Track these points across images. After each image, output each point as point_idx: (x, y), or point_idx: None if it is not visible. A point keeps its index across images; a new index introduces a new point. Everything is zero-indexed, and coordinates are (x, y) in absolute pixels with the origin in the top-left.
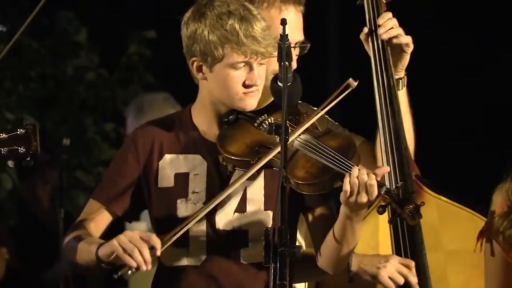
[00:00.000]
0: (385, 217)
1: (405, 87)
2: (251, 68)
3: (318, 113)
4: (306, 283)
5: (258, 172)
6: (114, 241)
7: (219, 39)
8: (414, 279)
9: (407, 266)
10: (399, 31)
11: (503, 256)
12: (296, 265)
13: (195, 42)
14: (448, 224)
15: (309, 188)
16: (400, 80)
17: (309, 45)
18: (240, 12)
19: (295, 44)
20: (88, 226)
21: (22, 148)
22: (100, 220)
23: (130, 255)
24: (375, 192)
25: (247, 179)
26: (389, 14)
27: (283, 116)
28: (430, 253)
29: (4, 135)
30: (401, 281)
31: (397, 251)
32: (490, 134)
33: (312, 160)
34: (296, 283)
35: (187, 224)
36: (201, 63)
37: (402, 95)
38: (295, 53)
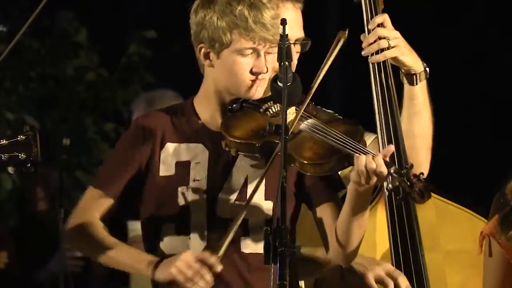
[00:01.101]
0: (383, 216)
1: (422, 82)
2: (258, 55)
3: (320, 74)
4: (303, 282)
5: (262, 160)
6: (173, 269)
7: (228, 25)
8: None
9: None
10: (381, 45)
11: (503, 255)
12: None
13: (204, 28)
14: (446, 224)
15: (315, 168)
16: (415, 76)
17: (310, 42)
18: None
19: (295, 41)
20: (92, 219)
21: (22, 155)
22: (101, 207)
23: (192, 282)
24: (384, 175)
25: (247, 169)
26: (379, 19)
27: (283, 116)
28: (428, 254)
29: (4, 141)
30: (390, 284)
31: (395, 251)
32: (492, 133)
33: (319, 142)
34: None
35: (234, 226)
36: (208, 50)
37: (418, 90)
38: (296, 50)
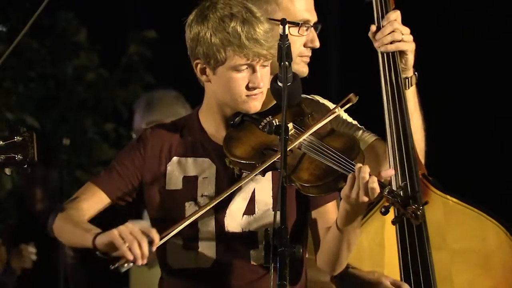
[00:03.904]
0: (391, 215)
1: (413, 86)
2: (254, 71)
3: (316, 125)
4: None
5: (263, 174)
6: (115, 232)
7: (221, 42)
8: None
9: None
10: (395, 36)
11: None
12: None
13: (198, 45)
14: (454, 223)
15: (314, 190)
16: (407, 79)
17: (320, 25)
18: (243, 15)
19: (314, 24)
20: (81, 206)
21: (19, 156)
22: (94, 202)
23: (129, 248)
24: (376, 193)
25: (255, 182)
26: (393, 15)
27: (283, 116)
28: (436, 252)
29: (1, 142)
30: None
31: (403, 250)
32: (494, 132)
33: (316, 162)
34: None
35: (186, 221)
36: (204, 66)
37: (410, 94)
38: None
